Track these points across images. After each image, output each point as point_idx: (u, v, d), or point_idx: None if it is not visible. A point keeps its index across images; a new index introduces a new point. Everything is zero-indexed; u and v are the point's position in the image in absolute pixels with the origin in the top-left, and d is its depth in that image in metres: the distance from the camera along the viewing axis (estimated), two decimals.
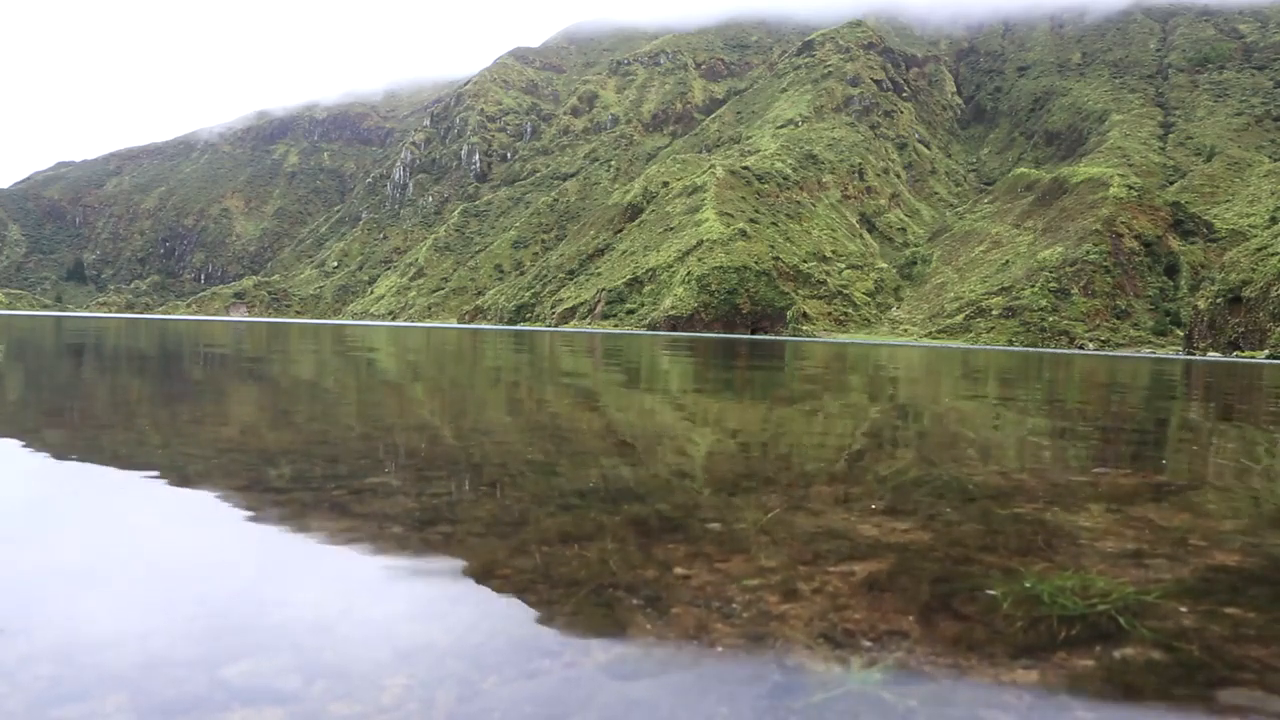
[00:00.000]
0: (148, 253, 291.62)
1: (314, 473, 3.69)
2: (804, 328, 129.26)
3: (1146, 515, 3.29)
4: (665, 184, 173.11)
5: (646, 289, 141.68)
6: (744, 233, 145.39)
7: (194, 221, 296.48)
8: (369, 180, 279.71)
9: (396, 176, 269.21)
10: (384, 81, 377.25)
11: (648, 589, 2.17)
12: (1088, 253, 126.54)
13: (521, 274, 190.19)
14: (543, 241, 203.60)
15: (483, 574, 2.27)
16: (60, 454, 4.01)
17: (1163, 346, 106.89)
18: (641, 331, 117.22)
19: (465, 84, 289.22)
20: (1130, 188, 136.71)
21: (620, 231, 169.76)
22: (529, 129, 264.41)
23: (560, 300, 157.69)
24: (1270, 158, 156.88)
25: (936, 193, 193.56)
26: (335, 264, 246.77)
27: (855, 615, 2.02)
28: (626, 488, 3.57)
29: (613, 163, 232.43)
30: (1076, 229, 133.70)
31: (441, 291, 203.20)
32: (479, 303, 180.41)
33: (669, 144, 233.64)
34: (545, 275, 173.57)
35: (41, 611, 1.93)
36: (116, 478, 3.49)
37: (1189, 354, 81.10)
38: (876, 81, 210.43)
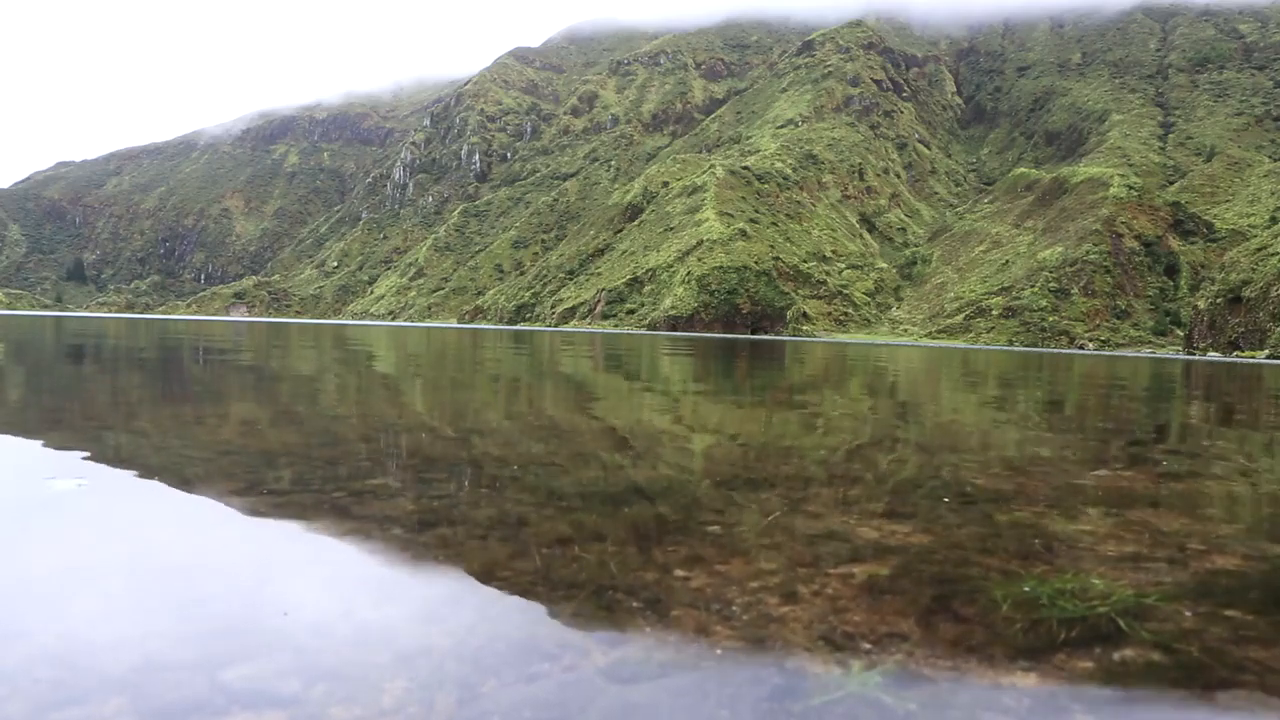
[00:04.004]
0: (148, 253, 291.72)
1: (314, 474, 3.69)
2: (804, 328, 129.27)
3: (1146, 518, 3.30)
4: (665, 184, 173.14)
5: (646, 289, 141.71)
6: (744, 233, 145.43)
7: (194, 221, 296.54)
8: (369, 180, 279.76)
9: (396, 176, 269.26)
10: (384, 81, 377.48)
11: (647, 591, 2.17)
12: (1088, 253, 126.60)
13: (521, 274, 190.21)
14: (543, 241, 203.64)
15: (483, 576, 2.28)
16: (60, 455, 4.01)
17: (1163, 346, 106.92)
18: (641, 331, 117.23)
19: (465, 84, 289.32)
20: (1130, 188, 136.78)
21: (620, 231, 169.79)
22: (529, 129, 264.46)
23: (560, 300, 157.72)
24: (1270, 158, 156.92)
25: (936, 193, 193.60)
26: (335, 264, 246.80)
27: (855, 618, 2.02)
28: (626, 489, 3.58)
29: (613, 163, 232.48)
30: (1076, 229, 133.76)
31: (441, 291, 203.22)
32: (479, 303, 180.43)
33: (669, 144, 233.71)
34: (545, 275, 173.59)
35: (41, 614, 1.93)
36: (116, 479, 3.49)
37: (1189, 354, 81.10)
38: (876, 81, 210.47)
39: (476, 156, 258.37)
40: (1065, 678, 1.70)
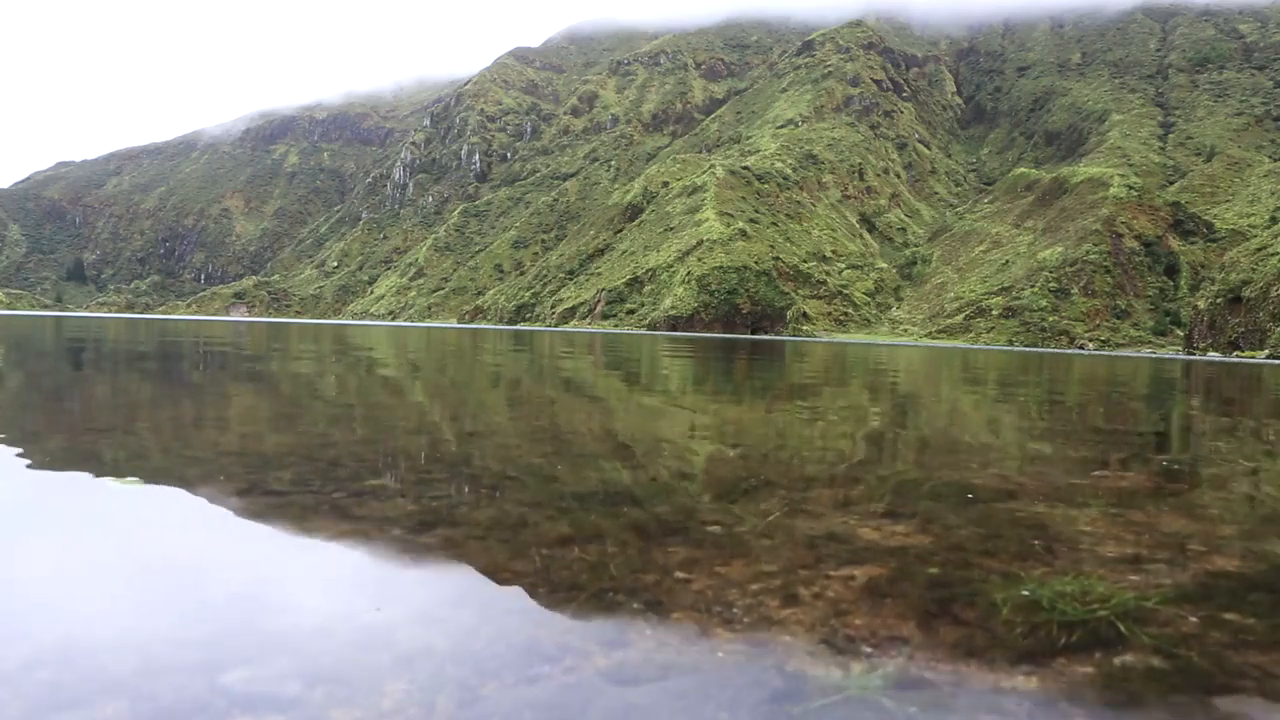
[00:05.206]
0: (148, 253, 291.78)
1: (314, 476, 3.68)
2: (804, 328, 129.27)
3: (1146, 519, 3.29)
4: (665, 184, 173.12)
5: (646, 289, 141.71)
6: (744, 233, 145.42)
7: (194, 221, 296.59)
8: (369, 180, 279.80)
9: (396, 176, 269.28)
10: (384, 81, 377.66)
11: (648, 593, 2.17)
12: (1088, 253, 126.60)
13: (521, 274, 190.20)
14: (543, 241, 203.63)
15: (483, 578, 2.28)
16: (59, 457, 4.01)
17: (1163, 346, 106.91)
18: (641, 332, 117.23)
19: (465, 84, 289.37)
20: (1130, 188, 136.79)
21: (620, 231, 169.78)
22: (529, 129, 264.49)
23: (560, 300, 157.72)
24: (1270, 158, 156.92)
25: (936, 193, 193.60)
26: (335, 264, 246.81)
27: (856, 620, 2.02)
28: (626, 491, 3.57)
29: (613, 163, 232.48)
30: (1076, 229, 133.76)
31: (441, 291, 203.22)
32: (479, 303, 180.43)
33: (669, 144, 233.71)
34: (545, 275, 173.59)
35: (41, 616, 1.94)
36: (116, 481, 3.49)
37: (1189, 354, 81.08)
38: (876, 81, 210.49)
39: (476, 156, 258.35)
40: (1065, 682, 1.70)
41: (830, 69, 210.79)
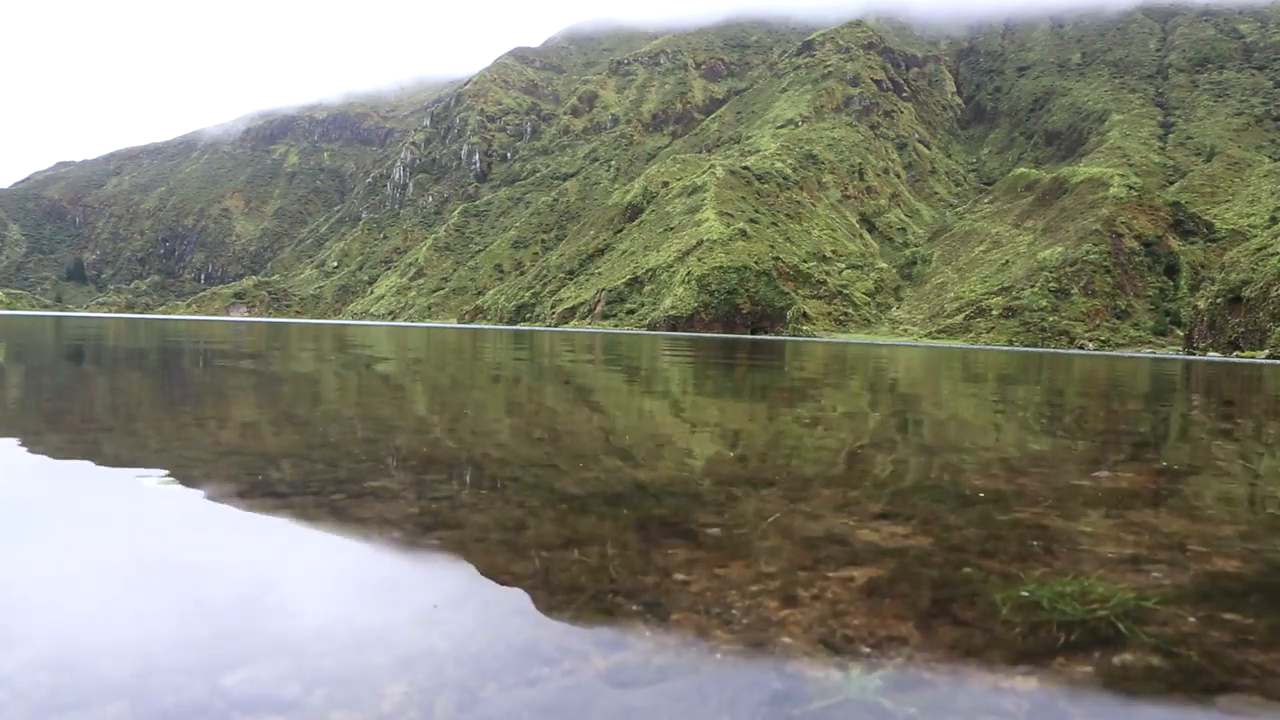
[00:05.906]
0: (148, 253, 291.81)
1: (314, 476, 3.68)
2: (804, 328, 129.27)
3: (1146, 520, 3.29)
4: (665, 184, 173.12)
5: (646, 289, 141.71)
6: (744, 233, 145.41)
7: (194, 221, 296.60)
8: (369, 180, 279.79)
9: (396, 176, 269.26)
10: (384, 81, 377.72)
11: (647, 595, 2.18)
12: (1088, 253, 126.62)
13: (521, 274, 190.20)
14: (543, 241, 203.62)
15: (482, 579, 2.28)
16: (59, 457, 4.01)
17: (1163, 346, 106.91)
18: (641, 331, 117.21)
19: (465, 84, 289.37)
20: (1130, 188, 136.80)
21: (620, 231, 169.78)
22: (529, 129, 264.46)
23: (560, 300, 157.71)
24: (1270, 158, 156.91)
25: (936, 193, 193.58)
26: (335, 264, 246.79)
27: (855, 621, 2.02)
28: (626, 492, 3.57)
29: (613, 163, 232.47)
30: (1076, 229, 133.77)
31: (441, 291, 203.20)
32: (479, 303, 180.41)
33: (669, 144, 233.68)
34: (545, 275, 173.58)
35: (40, 618, 1.94)
36: (116, 481, 3.49)
37: (1189, 354, 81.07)
38: (876, 81, 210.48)
39: (476, 156, 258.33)
40: (1065, 681, 1.71)
41: (830, 69, 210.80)
